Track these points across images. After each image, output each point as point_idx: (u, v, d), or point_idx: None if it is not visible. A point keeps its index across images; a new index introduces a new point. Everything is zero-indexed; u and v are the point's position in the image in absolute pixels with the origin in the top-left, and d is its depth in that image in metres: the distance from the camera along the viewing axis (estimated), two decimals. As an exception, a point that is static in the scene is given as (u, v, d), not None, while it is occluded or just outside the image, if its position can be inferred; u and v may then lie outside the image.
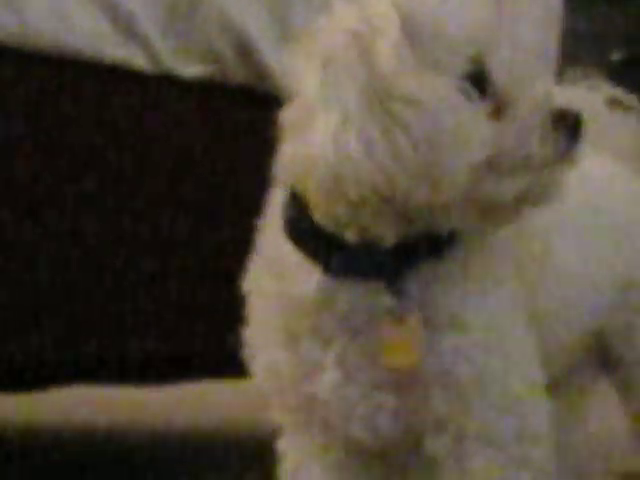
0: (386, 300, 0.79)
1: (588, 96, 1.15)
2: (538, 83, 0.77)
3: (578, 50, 2.15)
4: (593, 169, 1.07)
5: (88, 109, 1.47)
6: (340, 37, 0.74)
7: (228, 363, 1.59)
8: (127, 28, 1.49)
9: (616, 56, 2.34)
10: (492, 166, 0.73)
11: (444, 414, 0.82)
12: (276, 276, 0.82)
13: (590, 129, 0.90)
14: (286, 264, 0.81)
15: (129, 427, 2.77)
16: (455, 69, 0.74)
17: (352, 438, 0.85)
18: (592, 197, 1.08)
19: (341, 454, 0.89)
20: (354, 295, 0.79)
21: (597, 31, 2.84)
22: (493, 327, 0.84)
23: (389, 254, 0.78)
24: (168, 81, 1.55)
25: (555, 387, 0.95)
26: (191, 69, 1.57)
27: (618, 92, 1.19)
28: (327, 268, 0.78)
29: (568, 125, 0.76)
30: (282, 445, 0.90)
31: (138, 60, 1.50)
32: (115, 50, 1.47)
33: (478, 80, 0.75)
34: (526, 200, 0.76)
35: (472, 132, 0.72)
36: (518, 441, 0.84)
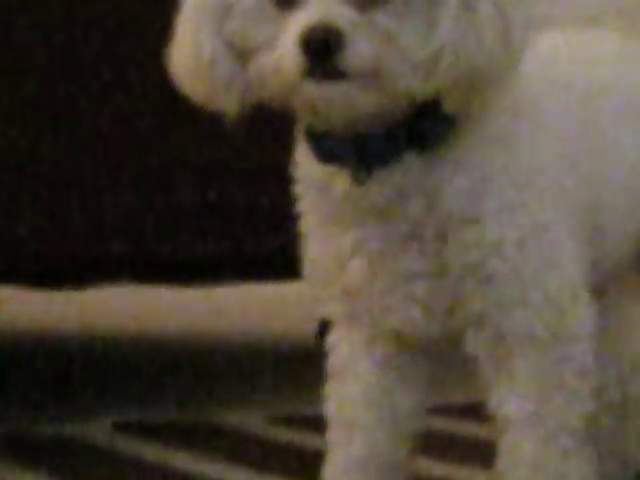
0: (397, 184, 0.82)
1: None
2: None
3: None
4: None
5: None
6: None
7: (262, 266, 1.67)
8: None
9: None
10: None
11: (480, 310, 0.85)
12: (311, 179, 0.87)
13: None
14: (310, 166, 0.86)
15: (159, 329, 2.88)
16: None
17: (392, 330, 0.89)
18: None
19: (388, 349, 0.91)
20: (374, 190, 0.82)
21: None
22: (525, 223, 0.84)
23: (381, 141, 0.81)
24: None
25: (602, 289, 0.98)
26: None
27: None
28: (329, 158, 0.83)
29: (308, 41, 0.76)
30: (332, 339, 0.93)
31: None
32: None
33: None
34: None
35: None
36: (557, 341, 0.86)
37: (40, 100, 1.54)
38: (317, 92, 0.76)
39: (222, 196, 1.63)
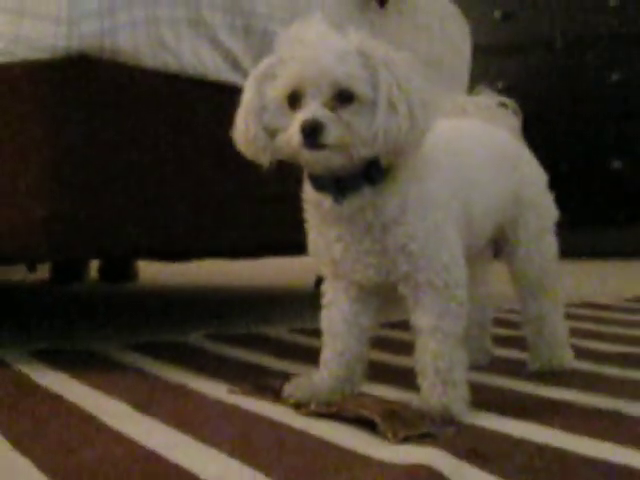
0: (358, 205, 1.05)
1: (488, 101, 1.41)
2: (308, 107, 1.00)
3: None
4: (493, 134, 1.34)
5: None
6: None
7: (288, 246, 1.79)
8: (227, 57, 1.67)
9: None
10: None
11: (405, 272, 1.07)
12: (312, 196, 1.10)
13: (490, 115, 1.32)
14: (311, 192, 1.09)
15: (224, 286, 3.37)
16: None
17: (358, 282, 1.12)
18: (494, 145, 1.32)
19: (355, 292, 1.15)
20: (345, 206, 1.05)
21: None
22: (429, 224, 1.06)
23: (344, 181, 1.04)
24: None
25: (471, 259, 1.17)
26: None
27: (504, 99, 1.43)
28: (324, 191, 1.06)
29: (304, 128, 0.98)
30: (324, 287, 1.18)
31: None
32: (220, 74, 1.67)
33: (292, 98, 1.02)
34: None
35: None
36: (447, 287, 1.07)
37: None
38: (310, 156, 1.01)
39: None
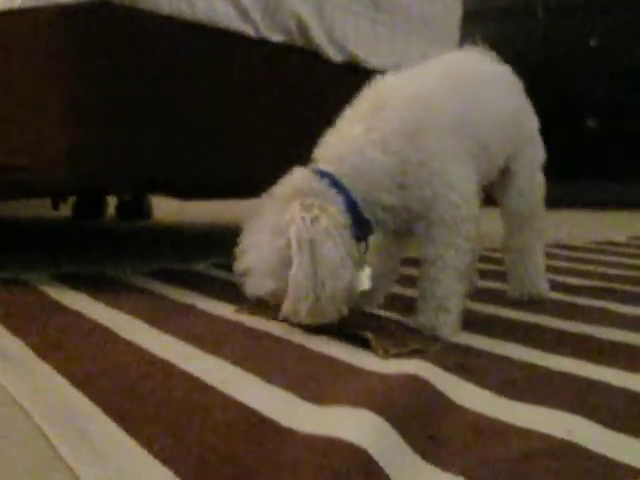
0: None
1: (480, 55, 1.34)
2: None
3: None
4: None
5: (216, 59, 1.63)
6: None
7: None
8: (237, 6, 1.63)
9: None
10: None
11: (420, 211, 1.08)
12: None
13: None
14: None
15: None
16: None
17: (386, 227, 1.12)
18: (500, 73, 1.31)
19: (386, 232, 1.17)
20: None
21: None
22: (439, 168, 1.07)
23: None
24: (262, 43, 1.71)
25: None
26: (278, 36, 1.75)
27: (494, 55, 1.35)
28: None
29: None
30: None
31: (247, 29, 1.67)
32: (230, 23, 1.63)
33: None
34: None
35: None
36: (455, 223, 1.07)
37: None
38: None
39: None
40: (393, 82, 1.14)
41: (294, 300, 1.01)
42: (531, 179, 1.33)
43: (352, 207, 1.06)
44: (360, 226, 1.07)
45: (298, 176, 1.06)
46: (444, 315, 1.08)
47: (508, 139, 1.26)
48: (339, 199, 1.05)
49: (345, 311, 1.03)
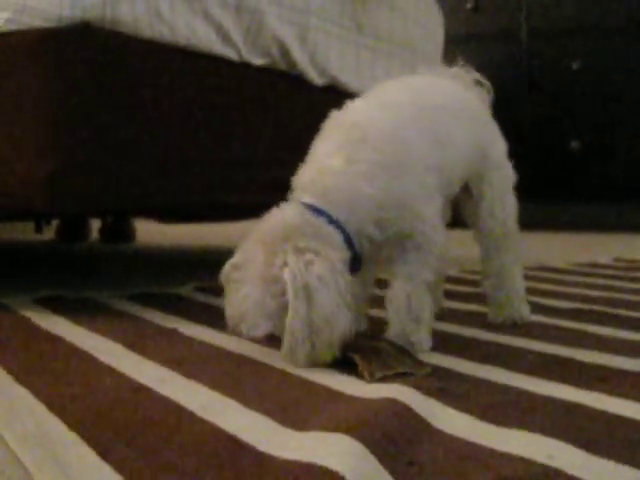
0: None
1: (465, 74, 1.40)
2: None
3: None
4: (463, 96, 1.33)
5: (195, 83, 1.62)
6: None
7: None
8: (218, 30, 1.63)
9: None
10: None
11: (397, 242, 1.10)
12: None
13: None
14: None
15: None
16: None
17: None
18: (466, 104, 1.31)
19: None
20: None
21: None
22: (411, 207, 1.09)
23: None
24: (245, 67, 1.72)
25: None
26: (260, 60, 1.76)
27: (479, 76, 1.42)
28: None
29: None
30: None
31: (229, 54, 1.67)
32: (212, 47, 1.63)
33: None
34: None
35: None
36: (430, 248, 1.10)
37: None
38: None
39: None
40: (366, 110, 1.14)
41: (291, 346, 1.00)
42: (501, 200, 1.33)
43: (349, 243, 1.06)
44: (353, 261, 1.07)
45: (289, 214, 1.04)
46: (418, 326, 1.10)
47: (469, 170, 1.29)
48: (338, 237, 1.04)
49: (339, 355, 1.02)
